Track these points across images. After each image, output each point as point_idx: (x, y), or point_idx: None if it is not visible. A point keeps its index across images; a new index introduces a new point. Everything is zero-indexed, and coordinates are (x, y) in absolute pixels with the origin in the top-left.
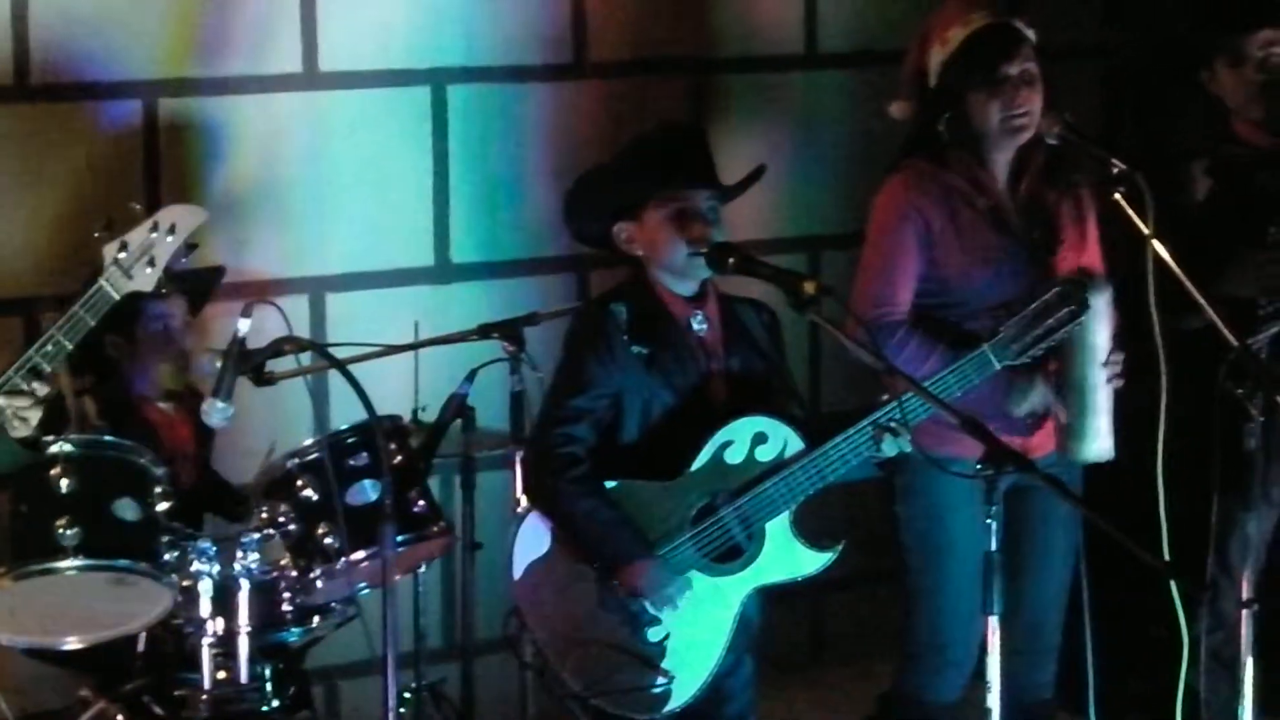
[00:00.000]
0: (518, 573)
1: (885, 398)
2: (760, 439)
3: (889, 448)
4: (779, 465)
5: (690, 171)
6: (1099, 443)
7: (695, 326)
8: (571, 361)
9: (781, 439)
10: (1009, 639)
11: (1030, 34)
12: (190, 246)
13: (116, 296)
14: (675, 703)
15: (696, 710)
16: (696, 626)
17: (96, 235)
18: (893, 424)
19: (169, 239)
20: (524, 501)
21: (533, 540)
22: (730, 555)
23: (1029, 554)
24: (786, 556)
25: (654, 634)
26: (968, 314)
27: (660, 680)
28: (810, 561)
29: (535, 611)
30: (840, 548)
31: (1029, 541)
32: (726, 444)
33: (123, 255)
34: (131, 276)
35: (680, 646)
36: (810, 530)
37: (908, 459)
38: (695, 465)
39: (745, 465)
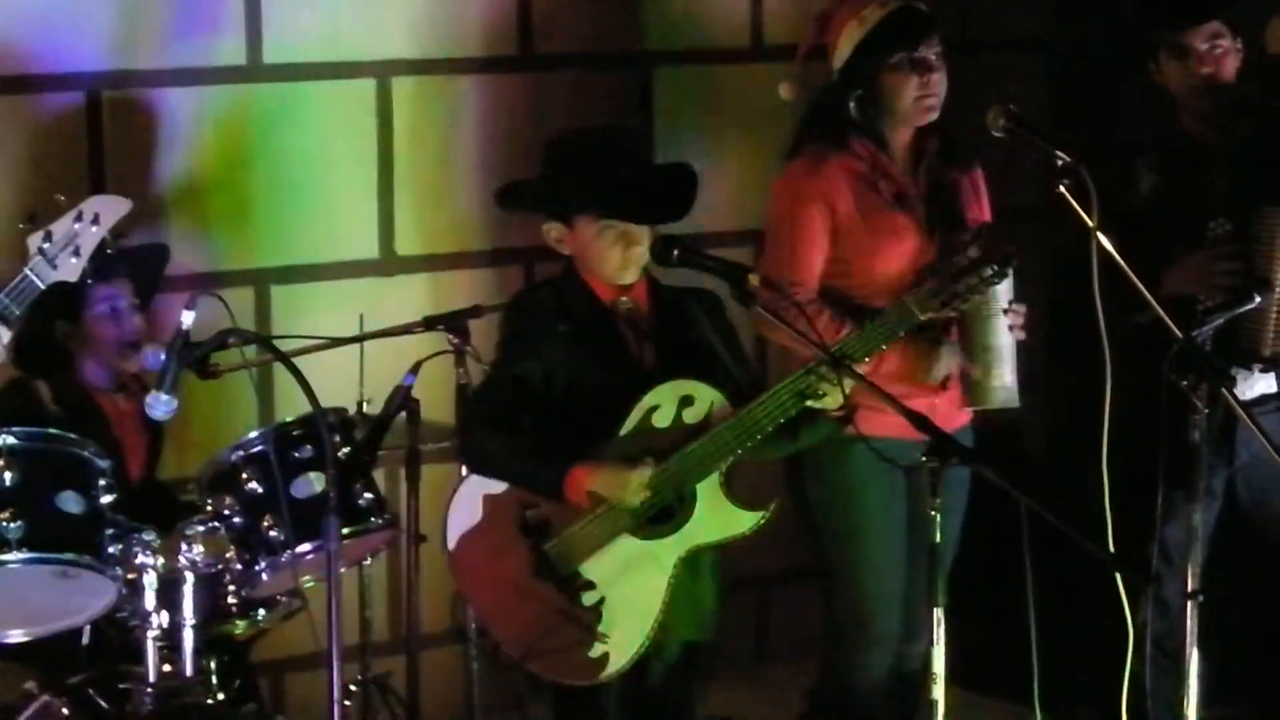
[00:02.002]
0: (452, 543)
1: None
2: (687, 402)
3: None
4: (705, 425)
5: (633, 207)
6: (1004, 391)
7: (622, 307)
8: (505, 339)
9: (708, 401)
10: (908, 622)
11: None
12: (116, 236)
13: (42, 286)
14: (613, 667)
15: (640, 686)
16: (631, 590)
17: (21, 226)
18: (823, 371)
19: (94, 229)
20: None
21: (466, 510)
22: (662, 518)
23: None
24: (718, 517)
25: (588, 599)
26: (871, 294)
27: (596, 644)
28: (742, 521)
29: (471, 579)
30: (772, 507)
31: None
32: (653, 408)
33: (47, 245)
34: (56, 266)
35: (616, 610)
36: (743, 494)
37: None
38: (623, 430)
39: (673, 428)
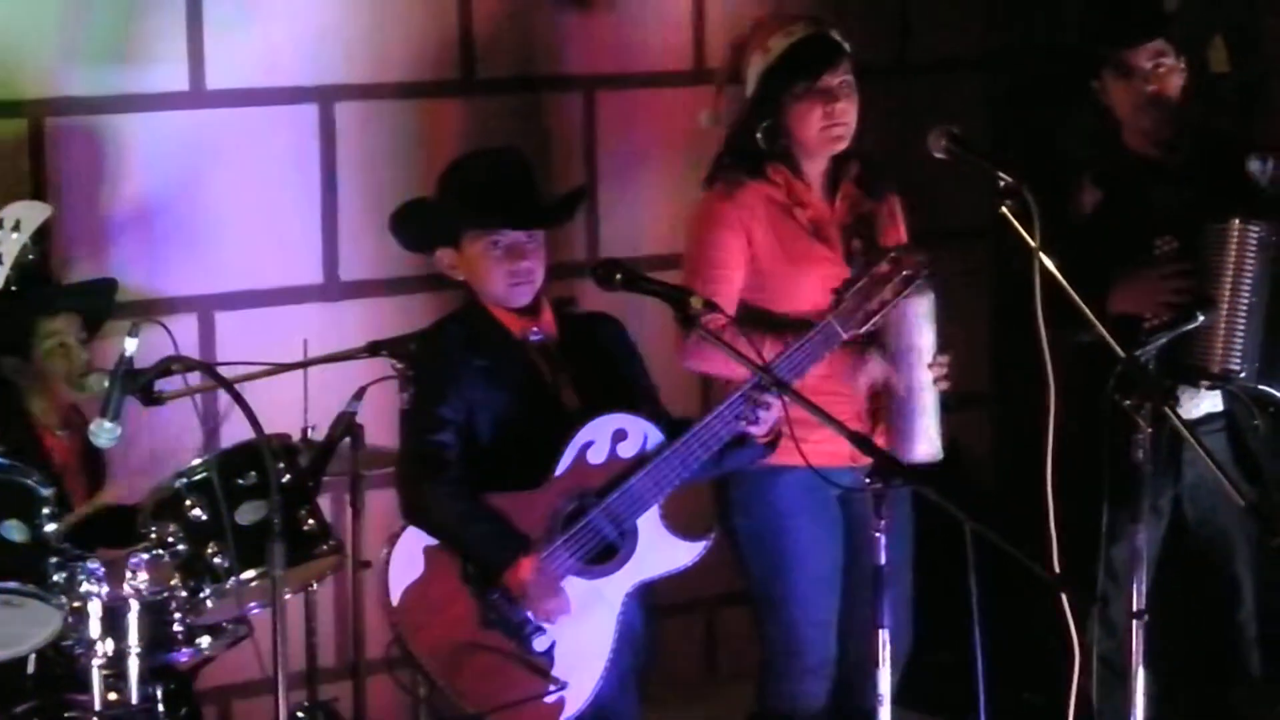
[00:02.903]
0: (395, 598)
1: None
2: (620, 436)
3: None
4: (642, 459)
5: (506, 210)
6: (927, 444)
7: (532, 338)
8: (424, 379)
9: (641, 434)
10: (856, 649)
11: (847, 46)
12: (36, 242)
13: None
14: (570, 711)
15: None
16: (581, 631)
17: None
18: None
19: (14, 235)
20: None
21: (407, 563)
22: (605, 555)
23: (863, 563)
24: (661, 550)
25: (539, 644)
26: (788, 324)
27: (552, 689)
28: (685, 553)
29: (417, 635)
30: (713, 535)
31: (862, 550)
32: (588, 444)
33: None
34: None
35: (568, 653)
36: (682, 525)
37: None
38: (559, 470)
39: (609, 464)
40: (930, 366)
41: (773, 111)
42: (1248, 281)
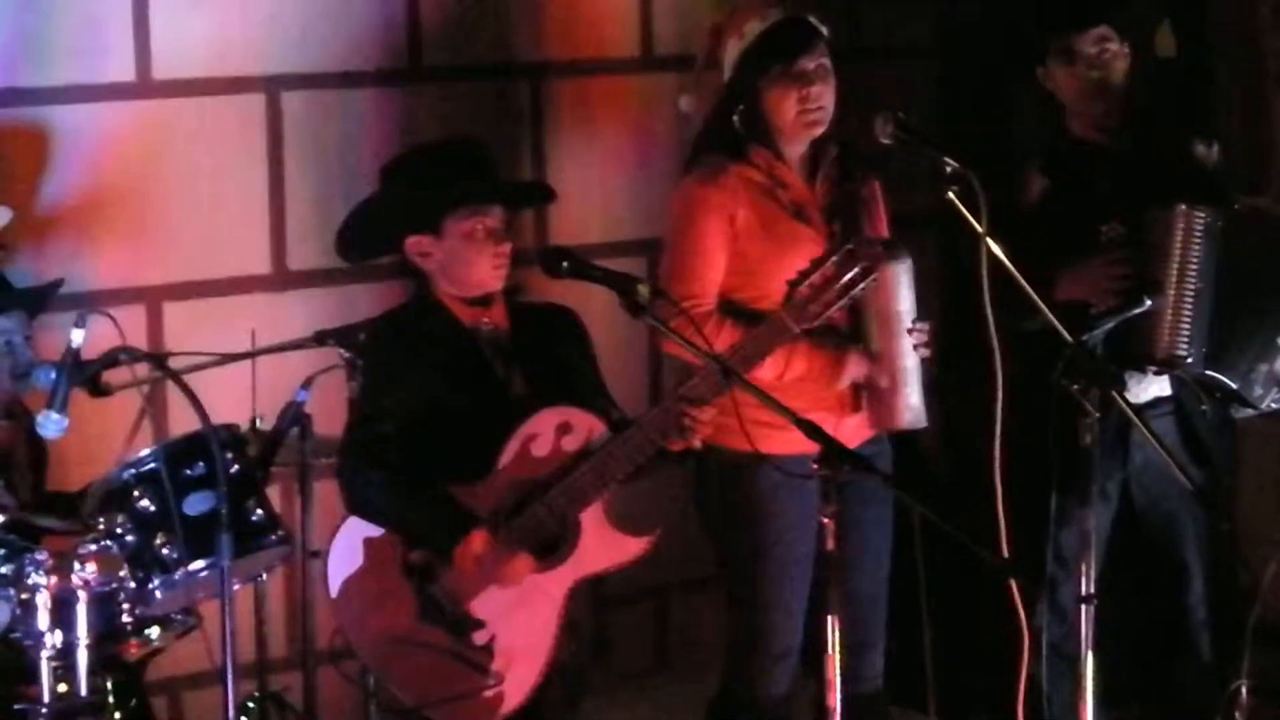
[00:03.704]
0: (334, 590)
1: (695, 380)
2: (565, 429)
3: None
4: (586, 453)
5: (506, 191)
6: (911, 412)
7: (484, 330)
8: (371, 369)
9: (586, 428)
10: (851, 634)
11: (824, 30)
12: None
13: None
14: (510, 704)
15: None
16: (522, 626)
17: None
18: (694, 398)
19: None
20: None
21: (347, 556)
22: (548, 549)
23: (846, 550)
24: (604, 545)
25: (479, 638)
26: (773, 305)
27: (491, 683)
28: (628, 548)
29: (357, 628)
30: (658, 533)
31: (845, 538)
32: (532, 437)
33: None
34: None
35: (508, 647)
36: (627, 520)
37: (712, 456)
38: (503, 462)
39: (552, 457)
40: (910, 332)
41: (749, 96)
42: (1194, 267)
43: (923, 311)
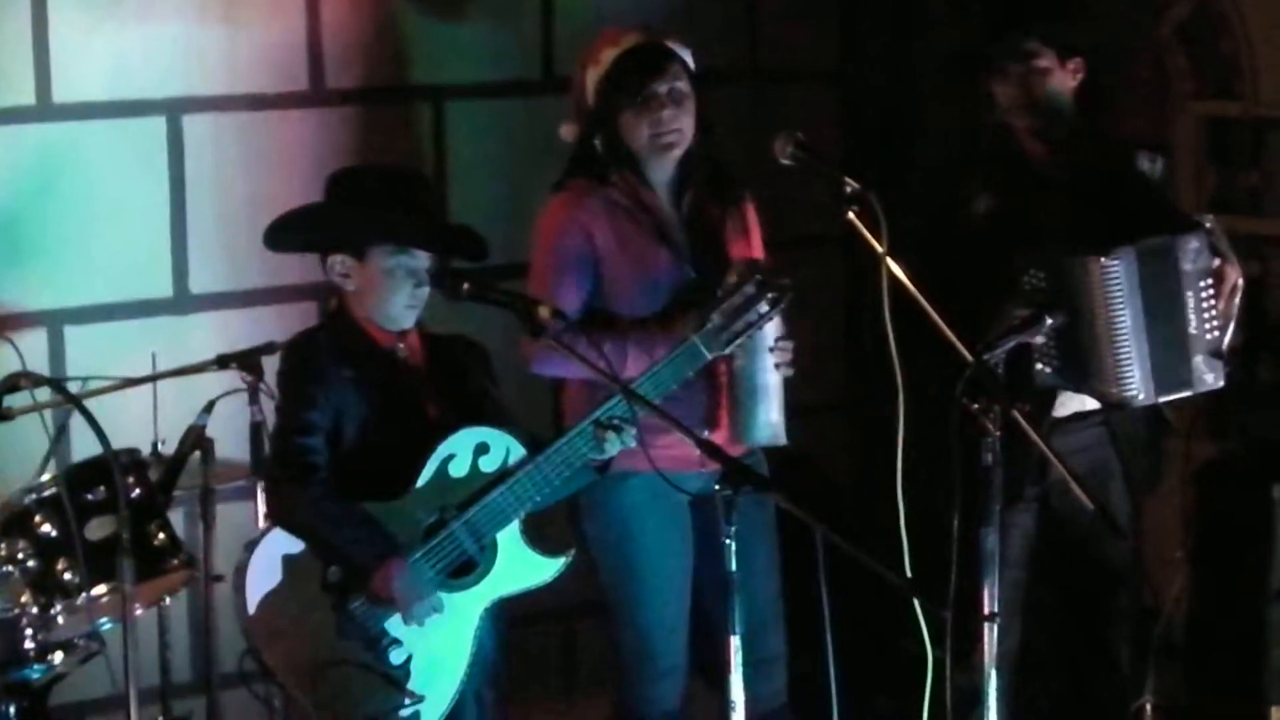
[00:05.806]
0: (252, 607)
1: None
2: (483, 449)
3: (612, 446)
4: (504, 474)
5: (438, 241)
6: (769, 429)
7: (401, 354)
8: (290, 386)
9: (504, 448)
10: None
11: (685, 54)
12: None
13: None
14: None
15: None
16: (438, 645)
17: None
18: (615, 421)
19: None
20: (264, 526)
21: (265, 572)
22: (464, 569)
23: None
24: (520, 566)
25: (396, 656)
26: (629, 324)
27: (408, 702)
28: (544, 569)
29: (273, 645)
30: (572, 553)
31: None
32: (449, 457)
33: None
34: None
35: (424, 667)
36: (542, 541)
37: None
38: (420, 482)
39: (470, 477)
40: (771, 351)
41: (608, 121)
42: (1120, 311)
43: (793, 330)
